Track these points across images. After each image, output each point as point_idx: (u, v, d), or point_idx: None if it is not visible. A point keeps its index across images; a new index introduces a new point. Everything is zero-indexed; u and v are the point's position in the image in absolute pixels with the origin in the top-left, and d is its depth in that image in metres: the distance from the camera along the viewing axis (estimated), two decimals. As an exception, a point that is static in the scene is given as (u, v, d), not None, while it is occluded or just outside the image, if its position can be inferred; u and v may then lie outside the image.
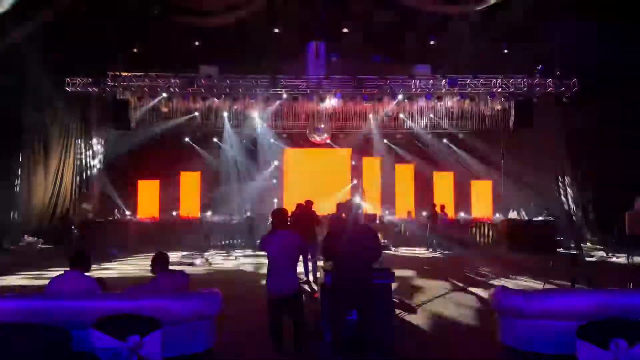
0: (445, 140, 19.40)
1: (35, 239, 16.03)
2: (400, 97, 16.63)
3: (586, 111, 15.76)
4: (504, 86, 16.06)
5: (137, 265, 12.04)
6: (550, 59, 16.08)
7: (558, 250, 14.08)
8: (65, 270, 5.04)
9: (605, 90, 15.50)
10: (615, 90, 15.46)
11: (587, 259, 9.25)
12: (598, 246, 15.03)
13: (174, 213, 17.55)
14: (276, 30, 17.22)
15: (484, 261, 13.12)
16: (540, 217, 15.39)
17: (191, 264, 12.14)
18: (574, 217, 10.25)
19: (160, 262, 5.20)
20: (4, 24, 13.77)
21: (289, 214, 6.50)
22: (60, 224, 16.55)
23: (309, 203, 9.81)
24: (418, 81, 16.51)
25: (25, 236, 16.06)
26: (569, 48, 15.31)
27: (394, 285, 5.87)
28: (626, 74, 15.27)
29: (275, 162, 19.71)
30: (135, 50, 16.65)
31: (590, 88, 15.46)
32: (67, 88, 15.82)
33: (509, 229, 15.41)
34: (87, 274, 5.09)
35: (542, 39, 16.38)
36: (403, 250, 15.44)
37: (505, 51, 16.92)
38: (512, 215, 16.19)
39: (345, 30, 17.42)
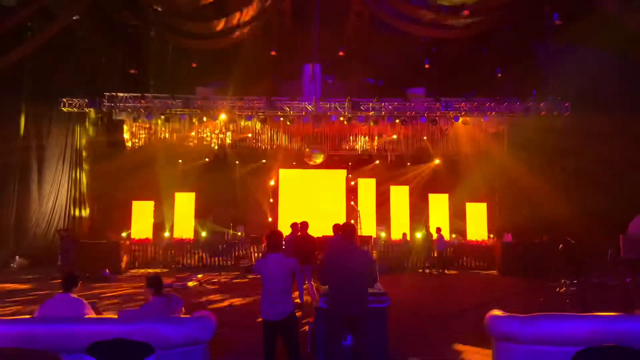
0: (439, 161, 19.50)
1: (27, 260, 15.86)
2: (395, 120, 16.72)
3: (578, 134, 15.94)
4: (497, 109, 16.19)
5: (130, 288, 11.91)
6: (543, 83, 16.28)
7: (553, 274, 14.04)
8: (56, 294, 4.98)
9: (597, 113, 15.72)
10: (608, 112, 15.68)
11: (583, 282, 9.23)
12: (592, 269, 15.01)
13: (167, 234, 17.45)
14: (273, 53, 17.41)
15: (479, 284, 13.09)
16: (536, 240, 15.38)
17: (184, 286, 12.03)
18: (569, 239, 10.29)
19: (153, 285, 5.15)
20: (4, 43, 13.93)
21: (284, 236, 6.47)
22: (55, 243, 16.43)
23: (305, 225, 9.74)
24: (413, 103, 16.61)
25: (17, 257, 15.91)
26: (562, 73, 15.54)
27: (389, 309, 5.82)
28: (617, 98, 15.53)
29: (271, 182, 19.76)
30: (132, 71, 16.74)
31: (582, 112, 15.63)
32: (63, 108, 15.82)
33: (503, 252, 15.39)
34: (77, 296, 5.04)
35: (536, 64, 16.64)
36: (398, 272, 15.36)
37: (499, 75, 17.13)
38: (507, 237, 16.17)
39: (340, 53, 17.61)
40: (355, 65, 19.82)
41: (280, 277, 5.03)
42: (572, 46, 16.04)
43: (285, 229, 9.85)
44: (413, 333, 7.30)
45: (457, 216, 18.17)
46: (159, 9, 14.95)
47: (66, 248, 13.84)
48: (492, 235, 17.27)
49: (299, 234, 9.63)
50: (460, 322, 8.09)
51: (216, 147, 18.62)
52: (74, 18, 14.80)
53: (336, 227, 9.25)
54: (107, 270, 13.77)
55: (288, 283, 5.15)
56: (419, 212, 18.41)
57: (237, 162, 19.53)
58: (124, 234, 16.47)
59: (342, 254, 4.88)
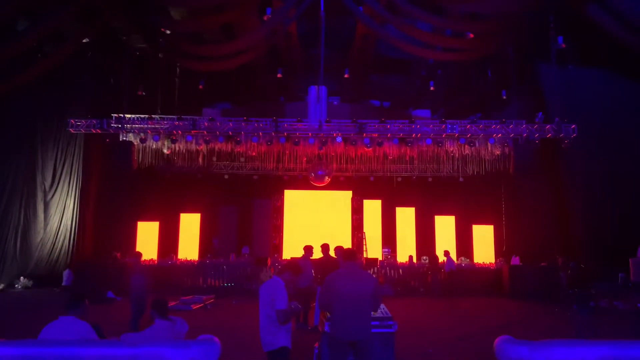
0: (445, 183, 19.43)
1: (31, 281, 15.84)
2: (401, 141, 16.71)
3: (586, 156, 15.89)
4: (503, 132, 16.14)
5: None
6: (548, 105, 16.27)
7: (562, 297, 13.85)
8: (60, 316, 4.91)
9: (604, 136, 15.70)
10: (614, 135, 15.65)
11: (593, 306, 9.07)
12: (603, 293, 14.80)
13: (173, 257, 17.40)
14: (279, 75, 17.58)
15: (487, 308, 12.91)
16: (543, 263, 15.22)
17: (189, 309, 11.92)
18: (578, 263, 10.18)
19: (158, 308, 5.09)
20: (16, 65, 14.15)
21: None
22: (59, 264, 16.45)
23: (326, 247, 9.30)
24: (418, 125, 16.61)
25: (22, 278, 15.87)
26: (568, 95, 15.55)
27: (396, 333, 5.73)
28: (624, 120, 15.51)
29: (277, 203, 19.73)
30: (140, 93, 16.89)
31: (589, 134, 15.58)
32: (70, 129, 15.92)
33: (511, 275, 15.21)
34: (81, 318, 4.97)
35: (541, 87, 16.68)
36: (405, 295, 15.20)
37: (504, 97, 17.17)
38: (515, 260, 16.01)
39: (346, 76, 17.75)
40: (360, 87, 19.96)
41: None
42: (577, 68, 16.08)
43: (289, 251, 9.73)
44: (421, 358, 7.16)
45: (464, 238, 18.04)
46: (167, 32, 15.14)
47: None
48: (500, 259, 17.09)
49: (322, 256, 9.34)
50: (468, 347, 7.95)
51: (222, 169, 18.68)
52: (84, 41, 15.02)
53: (324, 247, 9.06)
54: (112, 292, 13.68)
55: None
56: (425, 234, 18.31)
57: (242, 183, 19.56)
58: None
59: (344, 277, 4.78)
